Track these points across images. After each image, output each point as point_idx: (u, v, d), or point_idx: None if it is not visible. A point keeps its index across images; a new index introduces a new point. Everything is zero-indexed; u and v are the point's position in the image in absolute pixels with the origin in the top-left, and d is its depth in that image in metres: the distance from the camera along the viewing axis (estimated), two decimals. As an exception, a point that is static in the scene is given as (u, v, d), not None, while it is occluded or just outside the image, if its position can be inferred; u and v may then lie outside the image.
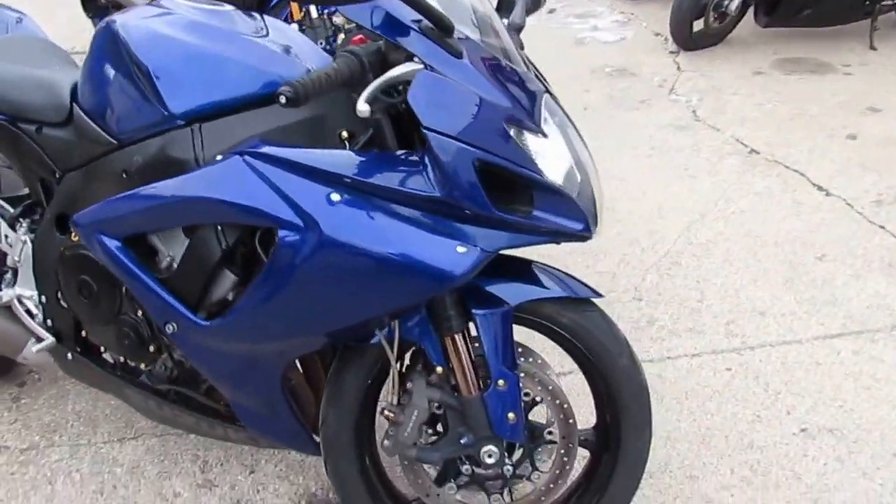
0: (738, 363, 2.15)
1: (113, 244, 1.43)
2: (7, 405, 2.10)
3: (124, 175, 1.44)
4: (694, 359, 2.18)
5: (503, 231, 1.26)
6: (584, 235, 1.31)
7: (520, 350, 1.53)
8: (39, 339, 1.75)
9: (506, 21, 1.53)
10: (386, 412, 1.43)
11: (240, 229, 1.37)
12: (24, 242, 1.76)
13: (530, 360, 1.52)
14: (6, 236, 1.80)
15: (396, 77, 1.19)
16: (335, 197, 1.22)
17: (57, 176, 1.64)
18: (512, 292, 1.39)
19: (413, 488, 1.50)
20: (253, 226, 1.34)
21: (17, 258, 1.78)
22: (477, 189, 1.20)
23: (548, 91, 1.35)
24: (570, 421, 1.46)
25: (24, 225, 1.77)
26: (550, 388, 1.46)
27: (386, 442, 1.43)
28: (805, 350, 2.18)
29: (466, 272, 1.23)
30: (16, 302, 1.78)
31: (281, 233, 1.24)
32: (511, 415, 1.39)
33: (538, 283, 1.42)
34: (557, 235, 1.30)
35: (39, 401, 2.12)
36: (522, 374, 1.43)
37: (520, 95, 1.28)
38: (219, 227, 1.37)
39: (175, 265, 1.43)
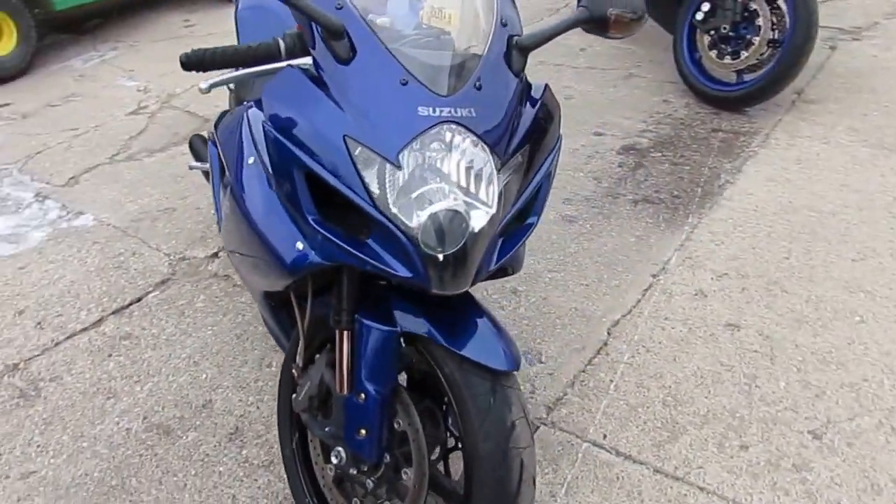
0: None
1: (212, 150, 1.80)
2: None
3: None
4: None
5: (336, 248, 1.21)
6: (418, 284, 1.18)
7: None
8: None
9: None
10: (293, 369, 1.53)
11: None
12: None
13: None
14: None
15: (262, 70, 1.23)
16: (250, 161, 1.34)
17: None
18: (407, 319, 1.32)
19: (311, 449, 1.59)
20: None
21: None
22: (297, 194, 1.19)
23: (456, 122, 1.17)
24: (425, 473, 1.35)
25: None
26: (418, 430, 1.35)
27: (293, 394, 1.54)
28: None
29: (296, 269, 1.24)
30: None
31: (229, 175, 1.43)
32: (363, 430, 1.35)
33: (442, 323, 1.31)
34: (384, 273, 1.19)
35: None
36: (400, 405, 1.37)
37: (393, 117, 1.17)
38: None
39: None
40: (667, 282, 2.43)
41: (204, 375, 2.19)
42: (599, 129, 3.51)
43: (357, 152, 1.16)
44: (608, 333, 2.23)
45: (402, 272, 1.19)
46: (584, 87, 3.96)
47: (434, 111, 1.18)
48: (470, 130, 1.19)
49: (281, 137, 1.22)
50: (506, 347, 1.32)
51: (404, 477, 1.39)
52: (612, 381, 2.05)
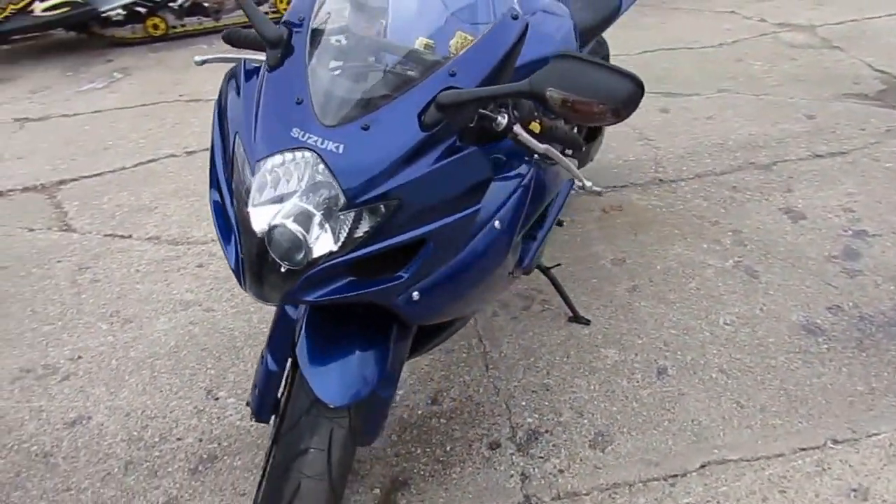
0: None
1: None
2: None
3: None
4: None
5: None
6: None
7: None
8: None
9: None
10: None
11: None
12: None
13: None
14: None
15: (228, 58, 1.37)
16: None
17: None
18: (303, 312, 1.40)
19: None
20: None
21: None
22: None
23: (316, 152, 1.16)
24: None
25: None
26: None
27: None
28: None
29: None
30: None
31: None
32: (256, 387, 1.47)
33: (321, 332, 1.36)
34: (226, 258, 1.28)
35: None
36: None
37: (272, 129, 1.21)
38: None
39: None
40: (838, 456, 1.82)
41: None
42: None
43: (240, 151, 1.27)
44: (701, 466, 1.83)
45: (231, 262, 1.28)
46: None
47: (303, 136, 1.21)
48: (326, 164, 1.19)
49: (214, 117, 1.40)
50: (351, 384, 1.30)
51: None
52: (643, 511, 1.72)
